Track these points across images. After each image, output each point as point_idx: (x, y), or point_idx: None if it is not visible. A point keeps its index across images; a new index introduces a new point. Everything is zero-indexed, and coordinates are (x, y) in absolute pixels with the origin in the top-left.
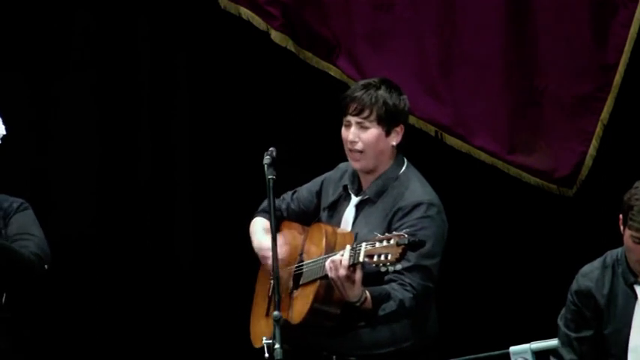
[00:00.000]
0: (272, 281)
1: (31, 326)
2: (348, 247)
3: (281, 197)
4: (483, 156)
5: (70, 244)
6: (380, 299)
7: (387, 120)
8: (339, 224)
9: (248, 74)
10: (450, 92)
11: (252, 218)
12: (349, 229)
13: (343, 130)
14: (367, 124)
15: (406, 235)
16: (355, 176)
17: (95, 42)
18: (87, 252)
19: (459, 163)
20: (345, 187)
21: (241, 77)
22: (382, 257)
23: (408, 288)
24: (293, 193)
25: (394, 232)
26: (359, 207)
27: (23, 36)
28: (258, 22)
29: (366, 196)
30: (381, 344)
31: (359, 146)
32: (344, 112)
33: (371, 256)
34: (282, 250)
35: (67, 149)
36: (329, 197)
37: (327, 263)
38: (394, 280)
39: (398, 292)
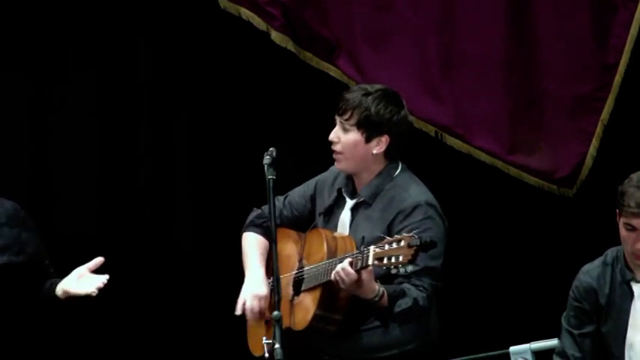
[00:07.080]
0: (271, 284)
1: (32, 326)
2: (353, 252)
3: None
4: (483, 156)
5: (70, 244)
6: (395, 295)
7: (367, 127)
8: (335, 228)
9: (248, 75)
10: (450, 92)
11: (242, 232)
12: (346, 232)
13: None
14: (347, 126)
15: (416, 236)
16: (349, 179)
17: (96, 42)
18: (87, 252)
19: (459, 163)
20: (339, 191)
21: (241, 78)
22: (393, 259)
23: (421, 288)
24: (285, 199)
25: (404, 234)
26: (354, 210)
27: (24, 37)
28: (258, 22)
29: (362, 199)
30: (384, 347)
31: (338, 147)
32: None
33: (380, 259)
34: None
35: (67, 149)
36: (324, 202)
37: (334, 274)
38: (406, 282)
39: (412, 291)
